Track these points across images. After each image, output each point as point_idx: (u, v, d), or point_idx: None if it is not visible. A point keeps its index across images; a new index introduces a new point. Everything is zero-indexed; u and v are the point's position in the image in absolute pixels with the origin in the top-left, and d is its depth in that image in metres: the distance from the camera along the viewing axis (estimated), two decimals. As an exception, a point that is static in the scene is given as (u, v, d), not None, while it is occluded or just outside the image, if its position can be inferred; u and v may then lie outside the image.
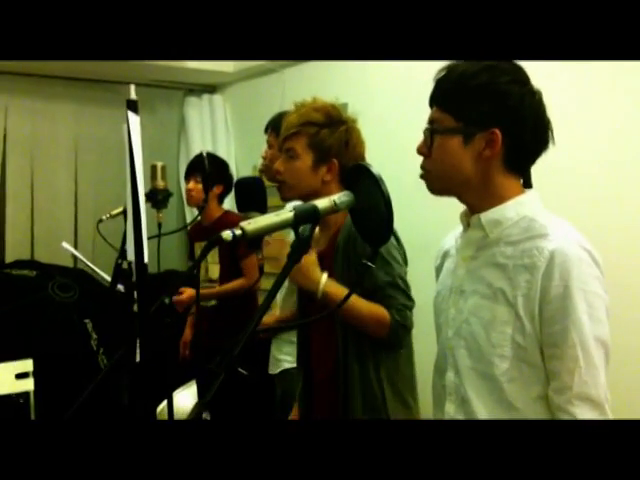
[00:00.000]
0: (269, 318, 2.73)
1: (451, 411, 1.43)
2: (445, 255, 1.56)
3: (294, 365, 2.66)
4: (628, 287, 2.47)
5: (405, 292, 1.93)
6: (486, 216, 1.38)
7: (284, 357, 2.77)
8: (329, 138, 1.95)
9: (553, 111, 1.39)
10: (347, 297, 1.36)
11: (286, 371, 2.75)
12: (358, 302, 1.85)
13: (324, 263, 1.92)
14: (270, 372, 2.90)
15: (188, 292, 3.27)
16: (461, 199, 1.44)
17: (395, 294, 1.90)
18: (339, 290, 1.82)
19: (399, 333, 1.90)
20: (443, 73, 1.39)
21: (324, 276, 1.85)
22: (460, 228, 1.49)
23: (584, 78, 2.70)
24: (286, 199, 2.08)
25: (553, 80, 2.41)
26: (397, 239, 1.99)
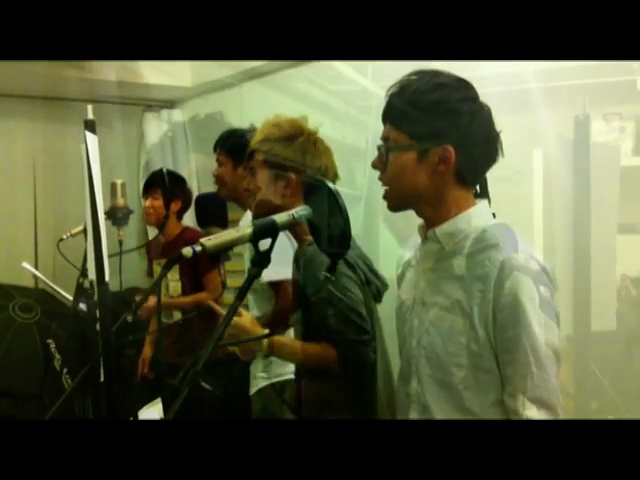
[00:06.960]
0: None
1: (414, 418, 1.46)
2: (406, 265, 1.60)
3: (270, 382, 2.64)
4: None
5: (356, 325, 1.84)
6: (441, 229, 1.42)
7: (260, 374, 2.74)
8: (284, 151, 1.94)
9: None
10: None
11: (261, 390, 2.71)
12: (304, 347, 1.89)
13: None
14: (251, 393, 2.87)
15: (153, 299, 3.27)
16: (417, 213, 1.47)
17: (343, 329, 1.83)
18: (284, 339, 1.93)
19: (349, 370, 1.83)
20: (395, 90, 1.42)
21: (265, 331, 1.90)
22: (418, 237, 1.52)
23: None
24: (255, 216, 2.04)
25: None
26: (350, 265, 1.87)
